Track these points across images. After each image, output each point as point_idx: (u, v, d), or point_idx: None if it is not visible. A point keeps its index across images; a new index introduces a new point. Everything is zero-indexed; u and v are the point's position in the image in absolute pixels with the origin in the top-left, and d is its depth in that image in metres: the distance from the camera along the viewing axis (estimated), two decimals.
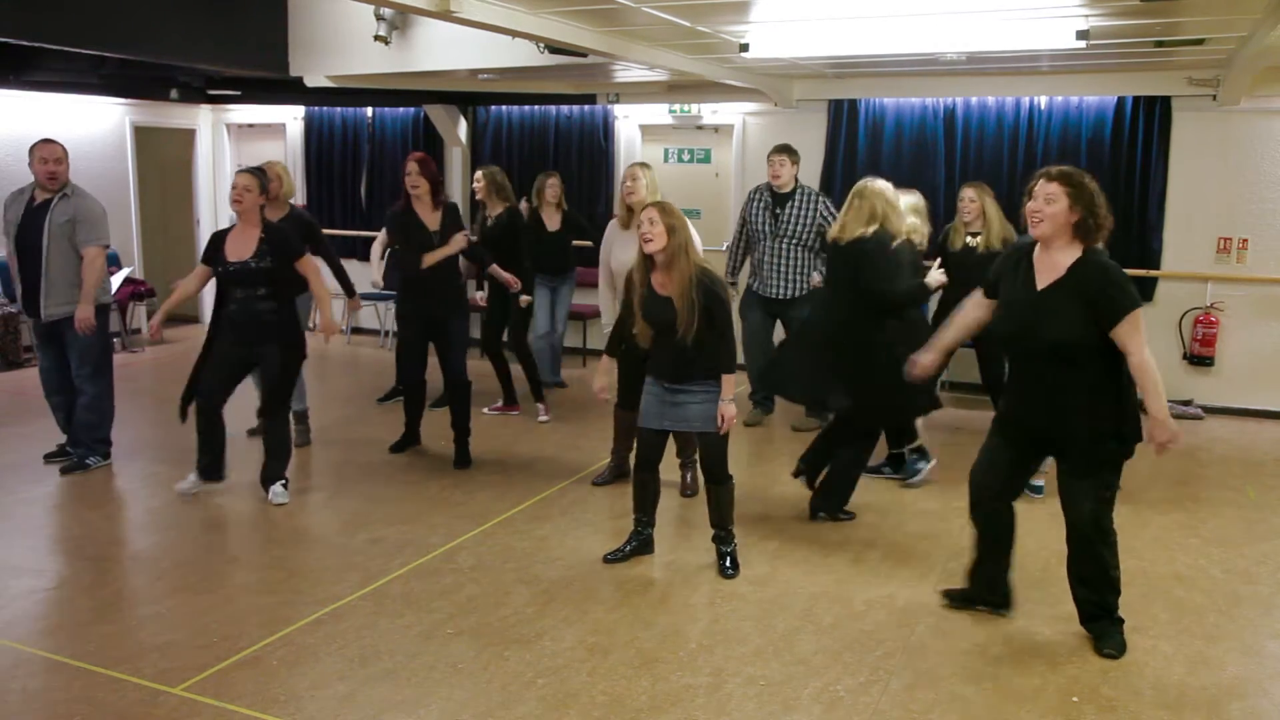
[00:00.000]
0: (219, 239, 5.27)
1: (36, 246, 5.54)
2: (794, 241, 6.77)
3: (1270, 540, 5.08)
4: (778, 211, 6.80)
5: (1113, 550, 3.79)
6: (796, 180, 6.86)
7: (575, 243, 8.07)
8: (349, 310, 6.76)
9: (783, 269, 6.81)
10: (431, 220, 5.97)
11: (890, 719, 3.37)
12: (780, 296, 6.82)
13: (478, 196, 7.23)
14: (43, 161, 5.52)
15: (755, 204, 6.94)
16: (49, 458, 5.98)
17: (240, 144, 11.11)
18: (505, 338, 7.22)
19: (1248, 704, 3.51)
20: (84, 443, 5.83)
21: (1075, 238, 3.62)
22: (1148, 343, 3.55)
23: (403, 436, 6.37)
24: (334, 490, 5.64)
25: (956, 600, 4.21)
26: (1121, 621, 3.88)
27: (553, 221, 7.88)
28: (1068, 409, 3.66)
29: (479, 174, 7.23)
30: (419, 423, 6.39)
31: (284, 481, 5.40)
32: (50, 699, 3.43)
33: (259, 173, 5.33)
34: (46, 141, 5.60)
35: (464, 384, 6.11)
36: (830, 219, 6.57)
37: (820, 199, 6.85)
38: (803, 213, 6.76)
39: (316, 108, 10.43)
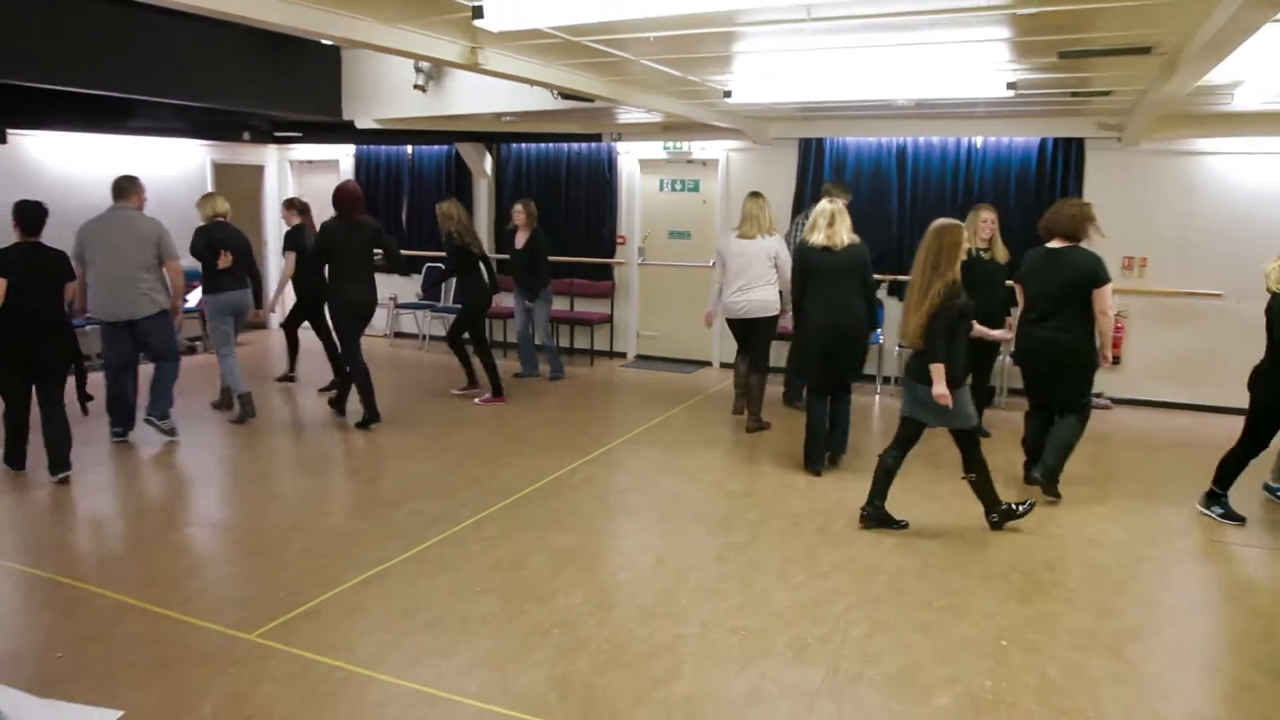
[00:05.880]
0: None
1: None
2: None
3: (1167, 508, 5.09)
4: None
5: None
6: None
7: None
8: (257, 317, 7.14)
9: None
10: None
11: (851, 661, 3.38)
12: None
13: (516, 224, 8.02)
14: None
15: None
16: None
17: (301, 178, 11.09)
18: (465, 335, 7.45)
19: (1145, 644, 3.53)
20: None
21: None
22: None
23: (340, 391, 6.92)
24: (379, 470, 5.64)
25: None
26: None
27: (519, 240, 8.11)
28: None
29: (520, 205, 8.00)
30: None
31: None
32: (149, 640, 3.44)
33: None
34: None
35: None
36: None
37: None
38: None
39: (365, 146, 10.40)
